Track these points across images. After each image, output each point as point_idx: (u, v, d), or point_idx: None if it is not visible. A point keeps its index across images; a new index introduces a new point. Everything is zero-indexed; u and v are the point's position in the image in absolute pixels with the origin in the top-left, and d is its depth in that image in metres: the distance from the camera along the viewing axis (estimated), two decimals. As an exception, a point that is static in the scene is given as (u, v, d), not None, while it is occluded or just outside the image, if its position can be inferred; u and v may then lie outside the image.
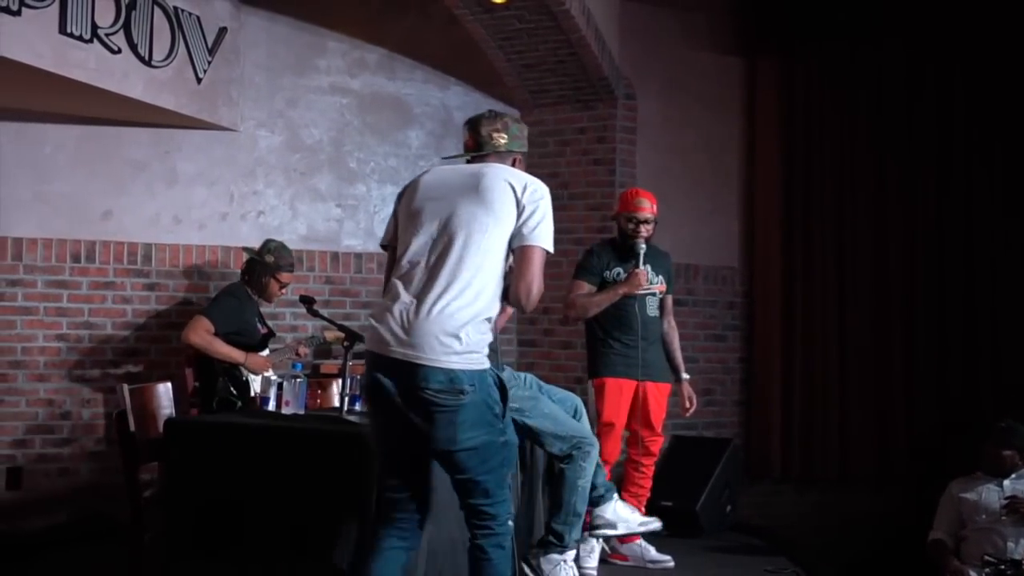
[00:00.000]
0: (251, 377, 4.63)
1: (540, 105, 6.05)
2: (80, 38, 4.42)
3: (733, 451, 5.48)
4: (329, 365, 5.32)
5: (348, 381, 3.76)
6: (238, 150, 5.50)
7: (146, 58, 4.80)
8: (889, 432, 6.00)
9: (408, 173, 5.93)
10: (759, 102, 6.27)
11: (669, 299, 4.67)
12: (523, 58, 5.60)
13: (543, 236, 2.77)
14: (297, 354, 4.85)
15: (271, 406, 3.85)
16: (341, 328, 4.01)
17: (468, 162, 2.98)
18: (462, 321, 2.68)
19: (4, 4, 4.02)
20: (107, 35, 4.58)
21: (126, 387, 3.74)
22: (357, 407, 3.86)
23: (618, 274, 4.46)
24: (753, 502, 5.69)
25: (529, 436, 3.75)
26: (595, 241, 4.93)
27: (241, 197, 5.52)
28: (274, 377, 3.98)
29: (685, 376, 4.69)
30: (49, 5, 4.26)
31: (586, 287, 4.47)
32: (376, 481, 2.91)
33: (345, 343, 3.85)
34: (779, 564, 4.61)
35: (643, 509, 4.57)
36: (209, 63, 5.20)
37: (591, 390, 4.53)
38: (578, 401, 4.10)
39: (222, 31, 5.30)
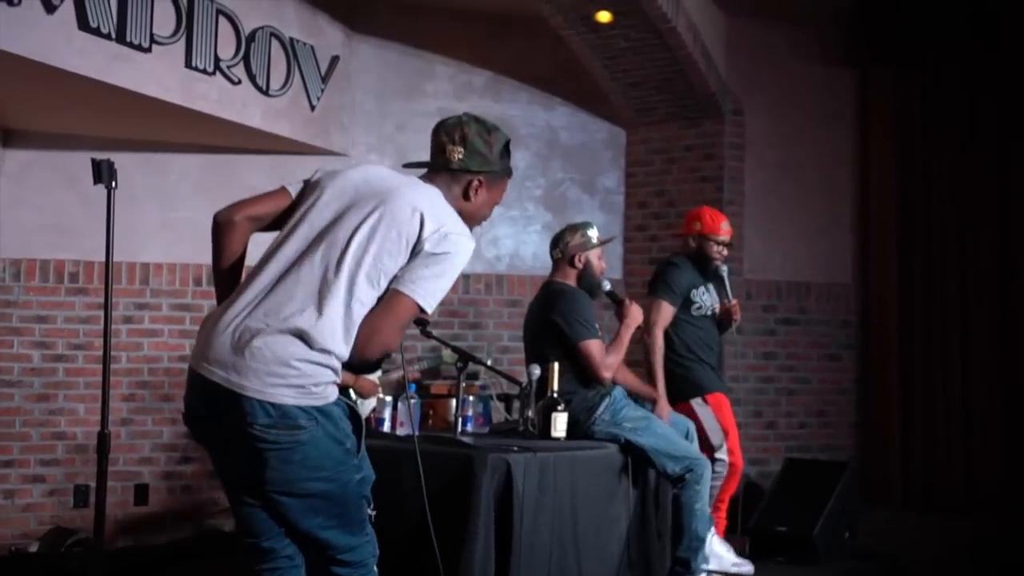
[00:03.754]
0: (360, 400, 4.72)
1: (646, 123, 6.03)
2: (204, 71, 4.61)
3: (850, 475, 5.31)
4: (439, 386, 5.37)
5: (462, 402, 3.80)
6: (350, 175, 5.63)
7: (264, 88, 4.98)
8: (1019, 455, 5.72)
9: (515, 193, 5.99)
10: (872, 114, 6.11)
11: None
12: (628, 76, 5.59)
13: (424, 292, 2.22)
14: (405, 377, 4.90)
15: (386, 427, 3.91)
16: (454, 349, 4.05)
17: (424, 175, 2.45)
18: (303, 351, 2.17)
19: (136, 42, 4.23)
20: (228, 67, 4.76)
21: (248, 407, 3.84)
22: (470, 428, 3.89)
23: (703, 293, 4.50)
24: (872, 528, 5.49)
25: (641, 456, 3.73)
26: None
27: (353, 220, 5.64)
28: (389, 399, 4.04)
29: None
30: (176, 41, 4.46)
31: (670, 311, 4.41)
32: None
33: (458, 364, 3.89)
34: (903, 593, 4.44)
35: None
36: (322, 91, 5.36)
37: (703, 410, 4.43)
38: (690, 424, 4.07)
39: (334, 59, 5.45)
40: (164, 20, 4.41)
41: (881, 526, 5.58)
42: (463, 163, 2.39)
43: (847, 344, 6.09)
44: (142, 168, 5.22)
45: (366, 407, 4.69)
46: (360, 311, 2.22)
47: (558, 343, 3.79)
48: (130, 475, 5.21)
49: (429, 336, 4.52)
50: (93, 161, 3.07)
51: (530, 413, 3.78)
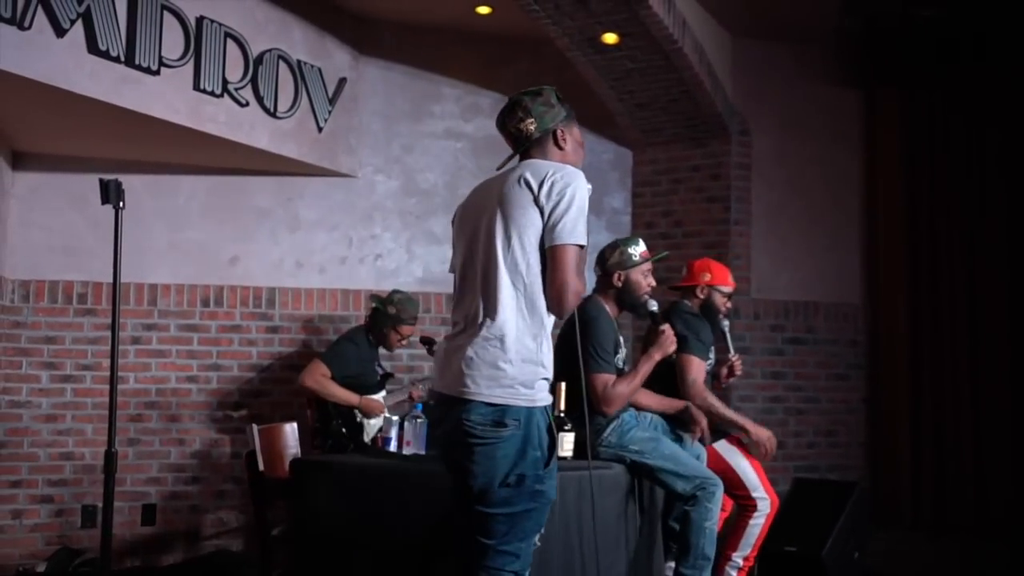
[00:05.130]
0: (366, 419, 4.72)
1: (652, 144, 6.04)
2: (212, 93, 4.65)
3: (860, 494, 5.27)
4: (446, 405, 5.38)
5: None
6: (356, 196, 5.67)
7: (271, 110, 5.01)
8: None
9: (521, 214, 6.00)
10: (878, 135, 6.11)
11: None
12: (635, 97, 5.61)
13: (569, 231, 2.50)
14: (411, 396, 4.92)
15: (392, 446, 3.90)
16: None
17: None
18: (504, 352, 2.50)
19: (145, 65, 4.27)
20: (236, 89, 4.80)
21: (255, 427, 3.85)
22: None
23: (712, 349, 4.28)
24: (882, 549, 5.45)
25: (650, 477, 3.71)
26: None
27: (359, 241, 5.67)
28: (395, 418, 4.04)
29: None
30: (184, 64, 4.50)
31: (704, 368, 4.15)
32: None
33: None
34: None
35: None
36: (329, 112, 5.39)
37: (730, 451, 4.34)
38: (700, 448, 4.03)
39: (342, 81, 5.49)
40: (173, 43, 4.45)
41: (891, 546, 5.54)
42: (541, 127, 2.70)
43: (855, 363, 6.07)
44: (150, 189, 5.26)
45: (372, 427, 4.70)
46: (536, 280, 2.52)
47: (572, 365, 3.77)
48: (137, 495, 5.20)
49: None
50: (101, 181, 3.10)
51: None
